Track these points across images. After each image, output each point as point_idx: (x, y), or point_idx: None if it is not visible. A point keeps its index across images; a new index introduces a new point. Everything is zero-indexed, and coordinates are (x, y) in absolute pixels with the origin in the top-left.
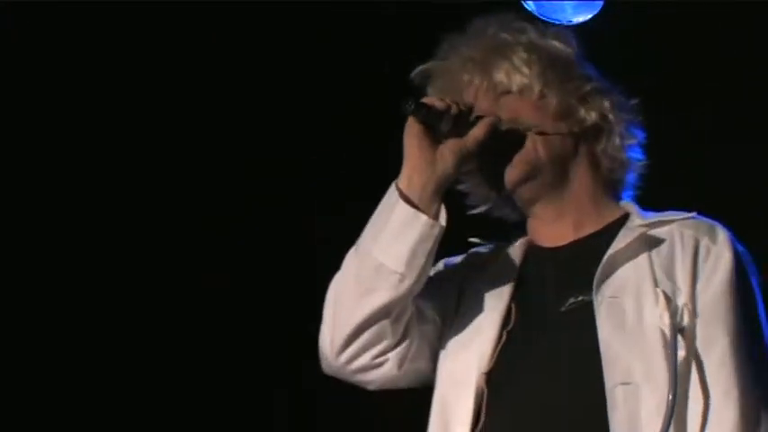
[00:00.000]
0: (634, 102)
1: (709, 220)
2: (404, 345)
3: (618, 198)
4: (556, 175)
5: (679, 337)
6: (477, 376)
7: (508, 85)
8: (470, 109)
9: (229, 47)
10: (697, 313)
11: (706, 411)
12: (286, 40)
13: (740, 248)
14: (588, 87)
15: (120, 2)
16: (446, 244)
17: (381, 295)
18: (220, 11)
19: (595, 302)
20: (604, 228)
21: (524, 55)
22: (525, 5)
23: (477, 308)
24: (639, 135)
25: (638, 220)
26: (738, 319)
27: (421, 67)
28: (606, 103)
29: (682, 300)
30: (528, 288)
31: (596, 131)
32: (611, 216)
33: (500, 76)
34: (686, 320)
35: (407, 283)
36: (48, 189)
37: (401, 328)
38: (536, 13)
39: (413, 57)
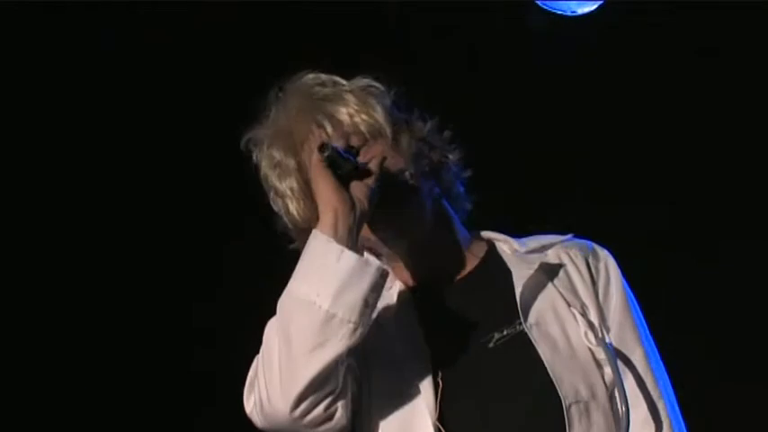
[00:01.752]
0: (447, 133)
1: (584, 239)
2: (346, 391)
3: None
4: (434, 215)
5: (602, 353)
6: (430, 425)
7: (358, 132)
8: (357, 150)
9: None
10: (608, 328)
11: (640, 418)
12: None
13: (613, 255)
14: (421, 126)
15: (118, 2)
16: None
17: (336, 346)
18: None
19: (527, 329)
20: (483, 259)
21: (356, 99)
22: None
23: (393, 358)
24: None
25: (517, 247)
26: (639, 327)
27: (249, 136)
28: (439, 140)
29: (593, 315)
30: (437, 327)
31: (444, 171)
32: (482, 247)
33: (345, 119)
34: (606, 337)
35: (360, 331)
36: (33, 188)
37: (343, 374)
38: (540, 4)
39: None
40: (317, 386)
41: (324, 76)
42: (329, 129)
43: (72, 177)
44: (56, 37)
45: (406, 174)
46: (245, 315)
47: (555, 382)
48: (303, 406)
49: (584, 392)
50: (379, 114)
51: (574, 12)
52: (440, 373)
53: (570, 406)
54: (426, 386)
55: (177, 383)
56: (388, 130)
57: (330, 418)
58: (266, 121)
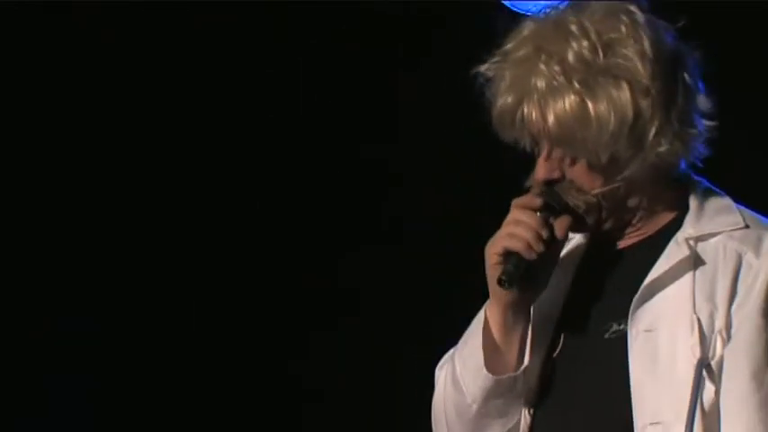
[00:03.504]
0: (707, 104)
1: (761, 226)
2: None
3: (679, 179)
4: (620, 217)
5: (705, 372)
6: (524, 413)
7: (566, 142)
8: (544, 208)
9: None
10: (729, 338)
11: None
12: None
13: None
14: (663, 141)
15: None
16: None
17: (494, 430)
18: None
19: (629, 336)
20: (660, 230)
21: (576, 104)
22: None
23: (536, 312)
24: (701, 121)
25: (690, 230)
26: (764, 345)
27: (485, 67)
28: (683, 148)
29: (718, 325)
30: (581, 297)
31: (662, 166)
32: (670, 212)
33: (551, 122)
34: (718, 352)
35: (514, 418)
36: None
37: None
38: (509, 5)
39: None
40: None
41: (571, 47)
42: (534, 119)
43: (84, 179)
44: (56, 37)
45: (593, 200)
46: None
47: (633, 399)
48: None
49: (667, 413)
50: (598, 132)
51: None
52: (555, 352)
53: (645, 427)
54: (536, 367)
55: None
56: (602, 158)
57: None
58: (509, 57)
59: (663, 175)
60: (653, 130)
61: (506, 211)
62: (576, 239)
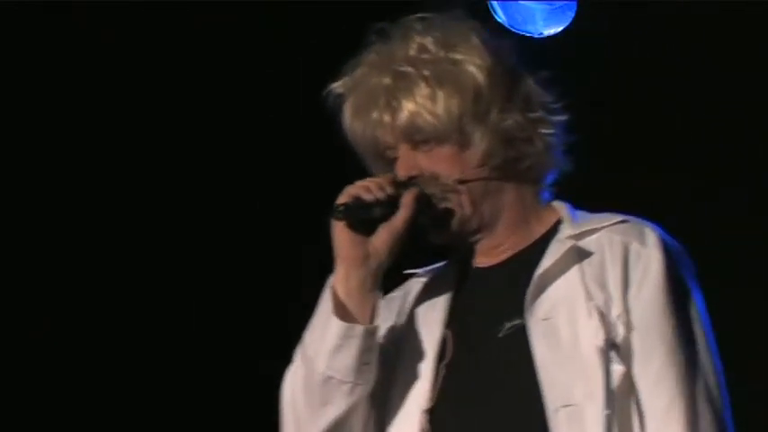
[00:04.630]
0: (548, 96)
1: (640, 222)
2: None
3: (545, 199)
4: (486, 217)
5: (614, 353)
6: (418, 415)
7: (419, 131)
8: (395, 181)
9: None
10: (632, 324)
11: (649, 427)
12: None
13: (673, 247)
14: (507, 116)
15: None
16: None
17: (337, 406)
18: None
19: (528, 326)
20: (537, 240)
21: (429, 91)
22: (496, 17)
23: (413, 345)
24: (560, 131)
25: (568, 230)
26: (674, 324)
27: (333, 87)
28: (529, 125)
29: (616, 311)
30: (462, 314)
31: (521, 157)
32: (544, 224)
33: (405, 116)
34: (621, 334)
35: (360, 387)
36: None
37: (362, 423)
38: (507, 25)
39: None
40: None
41: (415, 43)
42: (387, 120)
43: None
44: (57, 36)
45: (454, 186)
46: None
47: (541, 384)
48: None
49: (578, 395)
50: (445, 113)
51: (541, 33)
52: (445, 361)
53: (557, 410)
54: (426, 374)
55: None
56: (451, 135)
57: None
58: (353, 70)
59: (528, 180)
60: (496, 107)
61: None
62: (448, 266)
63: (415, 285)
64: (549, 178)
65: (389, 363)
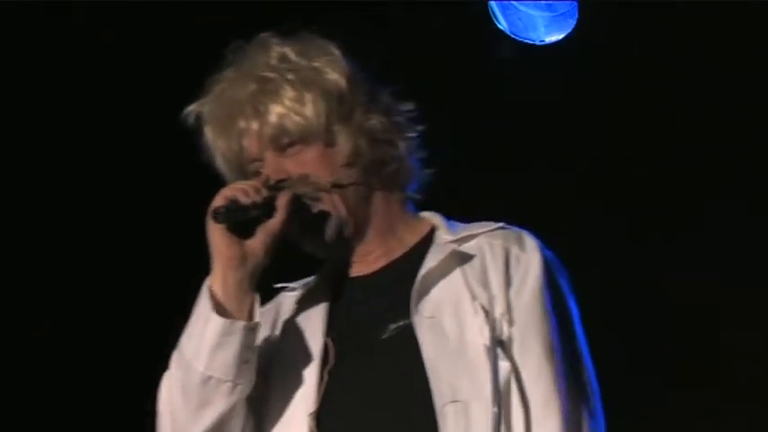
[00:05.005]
0: (407, 106)
1: (517, 229)
2: None
3: (417, 206)
4: (359, 222)
5: (499, 350)
6: (305, 418)
7: (288, 133)
8: (268, 183)
9: None
10: (513, 321)
11: (528, 422)
12: None
13: (548, 254)
14: (371, 117)
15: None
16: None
17: (217, 406)
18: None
19: (415, 324)
20: (413, 248)
21: (294, 93)
22: (498, 24)
23: (292, 354)
24: (416, 140)
25: (446, 236)
26: (551, 323)
27: (191, 109)
28: (392, 127)
29: (499, 309)
30: (342, 321)
31: (386, 160)
32: (417, 234)
33: (274, 120)
34: (505, 331)
35: (240, 387)
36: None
37: (240, 426)
38: (508, 32)
39: None
40: None
41: (275, 52)
42: (255, 127)
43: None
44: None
45: (326, 186)
46: None
47: (429, 380)
48: None
49: (465, 391)
50: (313, 114)
51: (542, 41)
52: (328, 366)
53: (444, 406)
54: (311, 379)
55: None
56: (320, 134)
57: None
58: (214, 87)
59: (393, 188)
60: (360, 109)
61: None
62: (320, 279)
63: (287, 299)
64: (412, 188)
65: (264, 371)
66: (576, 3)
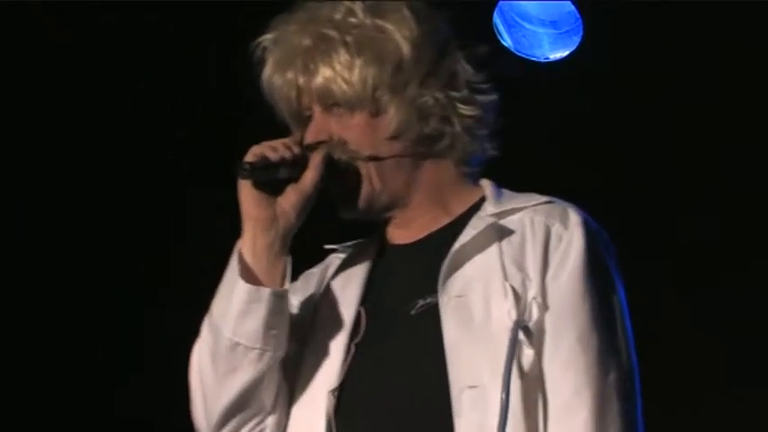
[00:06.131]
0: (478, 77)
1: (563, 204)
2: (276, 407)
3: (473, 176)
4: (397, 193)
5: (524, 337)
6: (325, 395)
7: (332, 97)
8: (302, 144)
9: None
10: (546, 307)
11: (552, 414)
12: None
13: (595, 231)
14: (426, 91)
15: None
16: (304, 252)
17: (245, 373)
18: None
19: (441, 304)
20: (458, 218)
21: (347, 58)
22: (502, 41)
23: (326, 320)
24: (491, 111)
25: (490, 207)
26: (588, 310)
27: (259, 42)
28: (448, 103)
29: (532, 292)
30: (378, 291)
31: (438, 136)
32: (465, 203)
33: (320, 82)
34: (535, 316)
35: (269, 354)
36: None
37: (273, 392)
38: (513, 49)
39: None
40: (236, 410)
41: (343, 6)
42: (302, 82)
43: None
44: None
45: (363, 157)
46: None
47: (448, 364)
48: (226, 431)
49: (485, 376)
50: (360, 82)
51: (547, 58)
52: (357, 338)
53: (462, 392)
54: (337, 352)
55: None
56: (366, 105)
57: None
58: (279, 27)
59: (448, 158)
60: (416, 82)
61: None
62: (368, 243)
63: (335, 261)
64: (477, 160)
65: (303, 337)
66: (580, 20)
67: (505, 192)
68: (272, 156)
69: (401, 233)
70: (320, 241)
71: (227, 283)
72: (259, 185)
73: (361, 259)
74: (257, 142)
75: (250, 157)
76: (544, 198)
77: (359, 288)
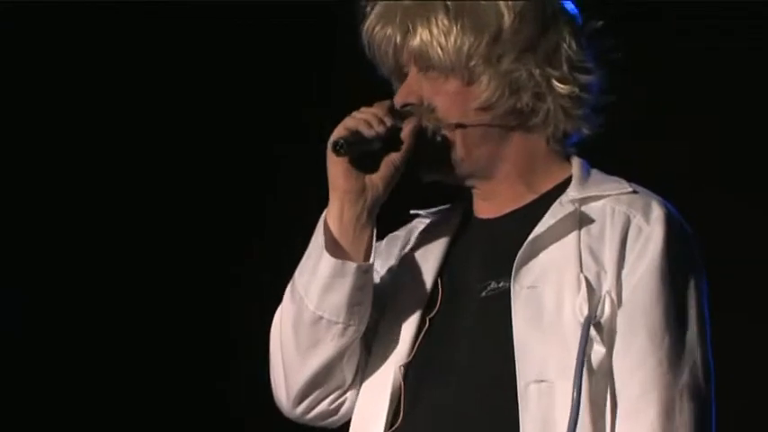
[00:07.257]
0: (580, 56)
1: (648, 195)
2: (356, 382)
3: (566, 154)
4: (480, 163)
5: (596, 333)
6: (394, 370)
7: (427, 60)
8: (393, 110)
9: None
10: (620, 303)
11: (622, 412)
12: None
13: (677, 226)
14: (521, 66)
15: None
16: (390, 216)
17: (327, 347)
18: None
19: (513, 292)
20: (542, 196)
21: (446, 23)
22: None
23: (405, 291)
24: (591, 90)
25: (574, 192)
26: (663, 309)
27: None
28: (543, 80)
29: (606, 286)
30: (455, 264)
31: (529, 111)
32: (552, 181)
33: (416, 44)
34: (607, 312)
35: (352, 329)
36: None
37: (354, 365)
38: None
39: None
40: (317, 384)
41: None
42: (398, 41)
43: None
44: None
45: (450, 124)
46: None
47: (516, 356)
48: (305, 404)
49: (553, 371)
50: (455, 50)
51: None
52: (432, 312)
53: (528, 385)
54: (411, 325)
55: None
56: (459, 73)
57: (335, 412)
58: None
59: (541, 133)
60: (512, 54)
61: None
62: (452, 211)
63: (418, 225)
64: (574, 137)
65: (382, 305)
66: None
67: (594, 173)
68: (367, 132)
69: (484, 206)
70: (405, 204)
71: (311, 253)
72: (353, 161)
73: (444, 229)
74: (346, 101)
75: (343, 131)
76: (629, 187)
77: (438, 260)
